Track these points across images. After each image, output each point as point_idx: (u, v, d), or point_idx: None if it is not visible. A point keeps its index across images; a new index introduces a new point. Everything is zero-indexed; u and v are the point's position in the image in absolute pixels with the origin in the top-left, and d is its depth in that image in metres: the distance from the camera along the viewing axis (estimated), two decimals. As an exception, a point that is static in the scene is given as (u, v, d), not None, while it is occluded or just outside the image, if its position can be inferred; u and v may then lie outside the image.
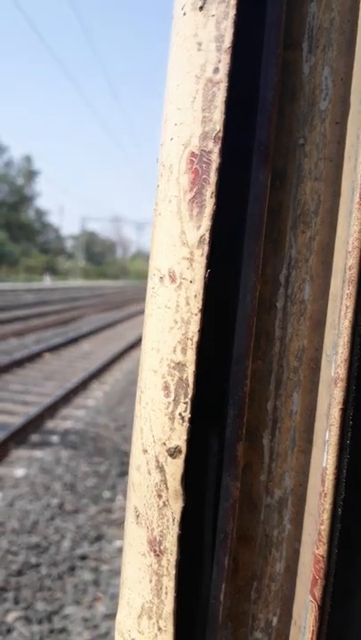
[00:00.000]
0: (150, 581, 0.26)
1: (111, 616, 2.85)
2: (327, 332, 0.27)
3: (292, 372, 0.28)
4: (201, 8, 0.23)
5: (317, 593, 0.25)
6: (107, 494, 4.31)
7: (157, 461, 0.25)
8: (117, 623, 0.28)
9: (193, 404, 0.24)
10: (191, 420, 0.24)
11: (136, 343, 11.97)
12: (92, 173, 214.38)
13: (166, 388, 0.25)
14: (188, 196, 0.24)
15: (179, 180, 0.24)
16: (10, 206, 52.80)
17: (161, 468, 0.25)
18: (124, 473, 4.80)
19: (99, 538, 3.64)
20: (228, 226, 0.25)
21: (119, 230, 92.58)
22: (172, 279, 0.25)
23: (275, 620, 0.27)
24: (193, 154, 0.24)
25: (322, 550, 0.25)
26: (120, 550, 3.52)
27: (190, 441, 0.25)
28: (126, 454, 5.22)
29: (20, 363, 8.33)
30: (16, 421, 5.38)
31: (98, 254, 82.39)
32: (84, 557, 3.37)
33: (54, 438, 5.28)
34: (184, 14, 0.24)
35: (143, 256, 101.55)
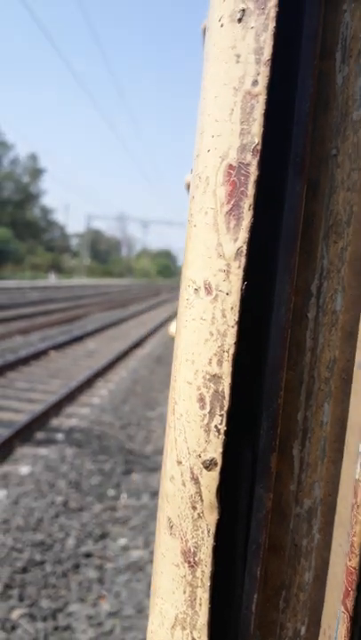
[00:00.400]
0: (184, 592, 0.26)
1: (115, 614, 2.86)
2: (359, 343, 0.27)
3: (323, 382, 0.28)
4: (240, 20, 0.23)
5: (349, 604, 0.25)
6: (111, 492, 4.32)
7: (192, 473, 0.25)
8: (150, 633, 0.28)
9: (229, 417, 0.24)
10: (227, 433, 0.24)
11: (141, 342, 11.97)
12: (98, 172, 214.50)
13: (202, 399, 0.25)
14: (225, 209, 0.24)
15: (215, 192, 0.24)
16: (15, 204, 52.91)
17: (196, 480, 0.25)
18: (128, 471, 4.80)
19: (103, 536, 3.65)
20: (262, 237, 0.24)
21: (124, 228, 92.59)
22: (208, 291, 0.24)
23: (303, 630, 0.27)
24: (231, 166, 0.23)
25: (354, 562, 0.25)
26: (124, 548, 3.53)
27: (225, 453, 0.24)
28: (131, 452, 5.22)
29: (25, 360, 8.35)
30: (21, 419, 5.40)
31: (103, 252, 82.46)
32: (88, 555, 3.38)
33: (59, 436, 5.29)
34: (221, 26, 0.24)
35: (148, 254, 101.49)
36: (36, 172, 56.88)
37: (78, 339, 11.40)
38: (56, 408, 5.97)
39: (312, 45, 0.25)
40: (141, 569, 3.32)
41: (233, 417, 0.24)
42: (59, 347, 10.05)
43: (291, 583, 0.26)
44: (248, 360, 0.25)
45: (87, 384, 7.35)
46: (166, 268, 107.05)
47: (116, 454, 5.11)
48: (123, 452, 5.20)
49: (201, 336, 0.25)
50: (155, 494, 4.39)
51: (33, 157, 56.85)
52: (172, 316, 19.63)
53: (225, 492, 0.24)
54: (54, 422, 5.72)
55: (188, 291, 0.26)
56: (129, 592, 3.06)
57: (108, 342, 11.61)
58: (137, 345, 11.52)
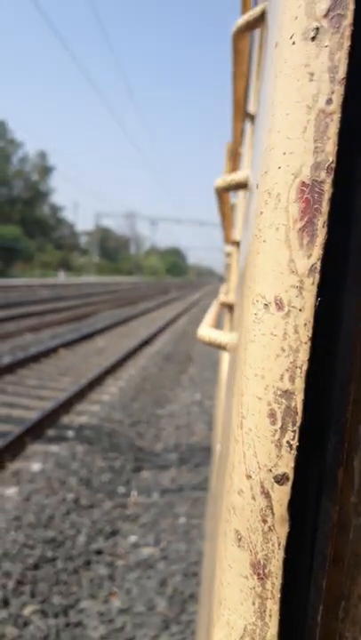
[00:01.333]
0: (253, 604, 0.26)
1: (126, 611, 2.88)
2: None
3: None
4: (313, 39, 0.24)
5: None
6: (121, 489, 4.34)
7: (263, 487, 0.25)
8: None
9: (301, 432, 0.25)
10: (298, 448, 0.25)
11: (150, 339, 12.00)
12: (107, 170, 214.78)
13: (272, 415, 0.25)
14: (297, 225, 0.24)
15: (288, 208, 0.25)
16: (25, 202, 53.11)
17: (267, 494, 0.25)
18: (138, 468, 4.82)
19: (114, 533, 3.67)
20: (332, 253, 0.25)
21: (133, 226, 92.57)
22: (279, 307, 0.25)
23: None
24: (304, 183, 0.24)
25: None
26: (134, 546, 3.55)
27: (297, 468, 0.25)
28: (141, 450, 5.24)
29: (35, 358, 8.40)
30: (32, 416, 5.43)
31: (112, 250, 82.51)
32: (99, 552, 3.40)
33: (70, 433, 5.32)
34: (293, 44, 0.24)
35: (157, 252, 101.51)
36: (46, 170, 57.03)
37: (88, 336, 11.44)
38: (66, 405, 6.00)
39: None
40: (152, 566, 3.33)
41: (305, 432, 0.25)
42: (68, 344, 10.10)
43: (350, 593, 0.27)
44: (318, 375, 0.25)
45: (97, 381, 7.38)
46: (175, 265, 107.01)
47: (126, 452, 5.13)
48: (133, 450, 5.22)
49: (272, 352, 0.25)
50: (164, 492, 4.40)
51: (42, 155, 56.99)
52: (182, 314, 19.62)
53: (292, 505, 0.25)
54: (65, 419, 5.75)
55: (256, 306, 0.26)
56: (140, 589, 3.08)
57: (117, 340, 11.64)
58: (146, 343, 11.54)
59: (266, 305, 0.25)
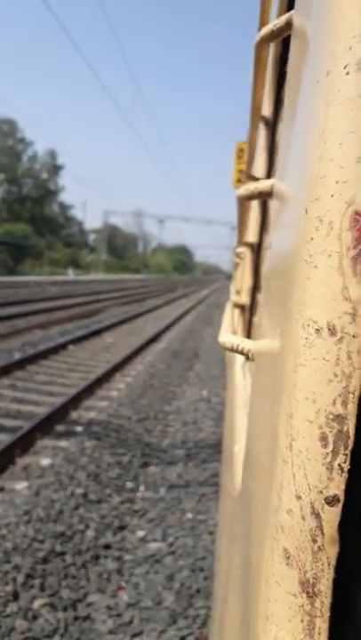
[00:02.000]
0: (302, 621, 0.27)
1: (134, 605, 2.89)
2: None
3: None
4: None
5: None
6: (129, 485, 4.36)
7: (313, 508, 0.26)
8: None
9: (353, 456, 0.25)
10: (350, 471, 0.25)
11: (157, 336, 12.01)
12: (116, 168, 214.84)
13: (324, 438, 0.26)
14: (351, 253, 0.25)
15: (341, 236, 0.25)
16: (34, 200, 53.32)
17: (317, 515, 0.26)
18: (146, 464, 4.83)
19: (122, 528, 3.69)
20: None
21: (141, 224, 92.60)
22: (332, 332, 0.25)
23: None
24: (358, 212, 0.24)
25: None
26: (142, 540, 3.56)
27: (347, 490, 0.26)
28: (148, 446, 5.26)
29: (45, 354, 8.45)
30: (42, 412, 5.47)
31: (119, 248, 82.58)
32: (107, 547, 3.41)
33: (78, 429, 5.35)
34: (347, 74, 0.24)
35: (164, 250, 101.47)
36: (55, 169, 57.18)
37: (96, 333, 11.49)
38: (75, 401, 6.04)
39: None
40: (159, 561, 3.35)
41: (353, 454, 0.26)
42: (77, 341, 10.14)
43: None
44: None
45: (105, 378, 7.40)
46: (182, 263, 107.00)
47: (134, 447, 5.15)
48: (140, 446, 5.24)
49: (324, 376, 0.26)
50: (171, 487, 4.41)
51: (51, 154, 57.12)
52: (189, 311, 19.61)
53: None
54: (74, 415, 5.78)
55: (307, 330, 0.27)
56: (147, 583, 3.09)
57: (125, 336, 11.66)
58: (153, 339, 11.55)
59: (318, 330, 0.26)
